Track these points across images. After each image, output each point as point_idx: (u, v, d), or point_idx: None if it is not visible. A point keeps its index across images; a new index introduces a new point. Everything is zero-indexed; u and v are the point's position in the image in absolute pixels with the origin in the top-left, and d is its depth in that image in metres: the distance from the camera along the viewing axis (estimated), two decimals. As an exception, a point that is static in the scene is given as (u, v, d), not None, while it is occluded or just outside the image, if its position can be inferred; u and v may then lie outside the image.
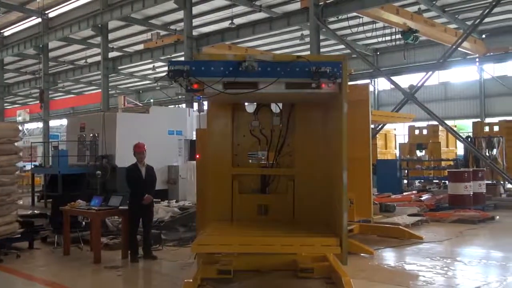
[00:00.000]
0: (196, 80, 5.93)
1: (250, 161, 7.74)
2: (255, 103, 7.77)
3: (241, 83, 6.02)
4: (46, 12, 27.94)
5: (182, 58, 23.87)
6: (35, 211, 14.19)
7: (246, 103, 7.80)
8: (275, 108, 7.78)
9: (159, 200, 13.79)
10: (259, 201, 7.47)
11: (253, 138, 7.64)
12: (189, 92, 6.35)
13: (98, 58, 29.16)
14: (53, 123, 42.51)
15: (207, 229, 6.88)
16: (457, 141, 21.72)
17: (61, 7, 27.32)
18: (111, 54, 29.11)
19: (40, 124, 40.53)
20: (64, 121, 41.57)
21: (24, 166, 31.25)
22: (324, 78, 5.81)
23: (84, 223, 9.96)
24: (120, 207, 8.79)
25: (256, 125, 7.60)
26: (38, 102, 33.49)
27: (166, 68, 5.95)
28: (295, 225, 7.14)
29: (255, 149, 7.61)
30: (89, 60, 32.82)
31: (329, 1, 18.98)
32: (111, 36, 27.95)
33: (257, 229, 6.80)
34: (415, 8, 21.99)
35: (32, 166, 22.91)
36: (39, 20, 28.40)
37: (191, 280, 6.51)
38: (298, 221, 7.27)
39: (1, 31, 31.77)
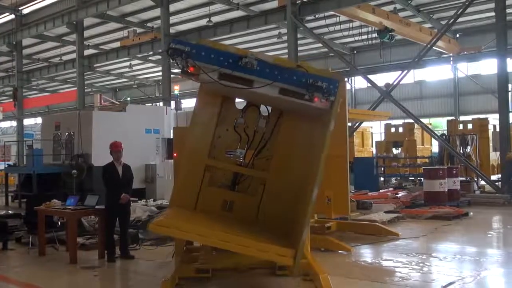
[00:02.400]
0: (194, 64, 5.85)
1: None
2: (245, 100, 7.70)
3: (237, 78, 5.96)
4: (20, 8, 27.46)
5: (159, 57, 23.74)
6: (9, 211, 13.91)
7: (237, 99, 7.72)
8: (264, 110, 7.73)
9: (136, 199, 13.66)
10: (226, 196, 7.35)
11: (235, 134, 7.52)
12: (183, 74, 6.21)
13: (74, 55, 28.76)
14: (27, 121, 41.76)
15: (169, 212, 6.78)
16: (432, 139, 22.07)
17: (35, 4, 26.90)
18: (87, 52, 28.74)
19: (14, 123, 39.83)
20: (38, 120, 40.90)
21: (-2, 166, 30.70)
22: (319, 92, 5.78)
23: (59, 223, 9.81)
24: (97, 207, 8.70)
25: (241, 123, 7.47)
26: (11, 100, 32.89)
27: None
28: (257, 227, 7.01)
29: (235, 146, 7.48)
30: (64, 58, 32.34)
31: (306, 0, 19.11)
32: (86, 33, 27.60)
33: (218, 223, 6.69)
34: (390, 8, 22.29)
35: (6, 166, 22.49)
36: (12, 16, 27.90)
37: (169, 279, 6.48)
38: (260, 224, 7.16)
39: (-27, 28, 31.08)
